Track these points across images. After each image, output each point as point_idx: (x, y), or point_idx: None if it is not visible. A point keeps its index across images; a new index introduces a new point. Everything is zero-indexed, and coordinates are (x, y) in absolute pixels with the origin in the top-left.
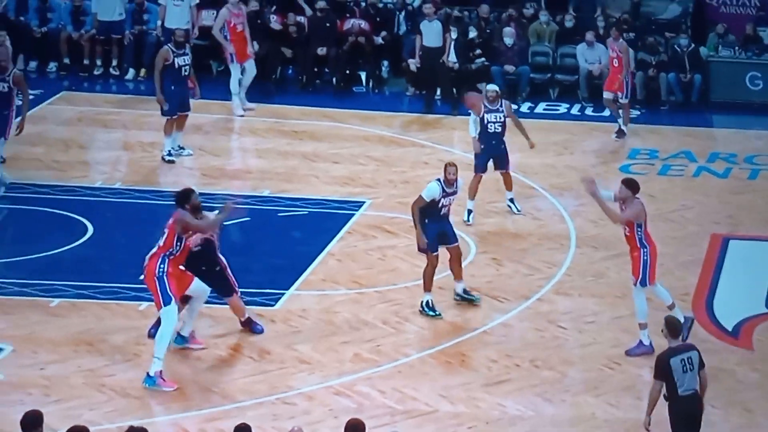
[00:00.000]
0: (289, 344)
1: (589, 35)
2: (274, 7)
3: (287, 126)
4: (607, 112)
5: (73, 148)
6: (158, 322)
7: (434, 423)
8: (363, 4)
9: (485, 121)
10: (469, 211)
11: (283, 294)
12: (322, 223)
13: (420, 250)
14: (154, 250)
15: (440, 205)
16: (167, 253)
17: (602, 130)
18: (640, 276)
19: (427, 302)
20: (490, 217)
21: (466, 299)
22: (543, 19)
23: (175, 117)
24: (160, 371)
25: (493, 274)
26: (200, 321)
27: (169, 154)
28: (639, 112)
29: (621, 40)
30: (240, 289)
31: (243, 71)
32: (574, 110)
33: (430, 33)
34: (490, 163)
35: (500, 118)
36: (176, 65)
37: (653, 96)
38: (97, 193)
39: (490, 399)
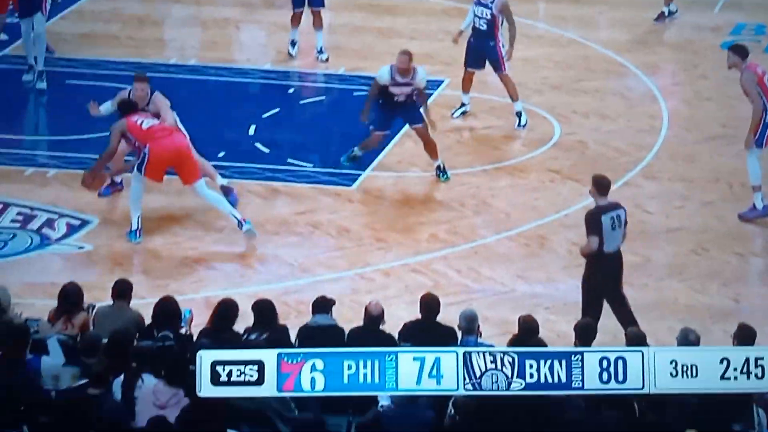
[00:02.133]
0: (366, 223)
1: None
2: None
3: None
4: None
5: (147, 24)
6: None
7: (511, 302)
8: None
9: (473, 14)
10: (462, 105)
11: (359, 175)
12: None
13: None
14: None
15: (391, 92)
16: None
17: (703, 4)
18: (757, 137)
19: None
20: (577, 97)
21: (438, 174)
22: None
23: (298, 10)
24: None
25: (578, 157)
26: (280, 199)
27: (293, 44)
28: None
29: None
30: (317, 169)
31: None
32: None
33: None
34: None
35: (487, 14)
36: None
37: None
38: (171, 70)
39: (569, 281)
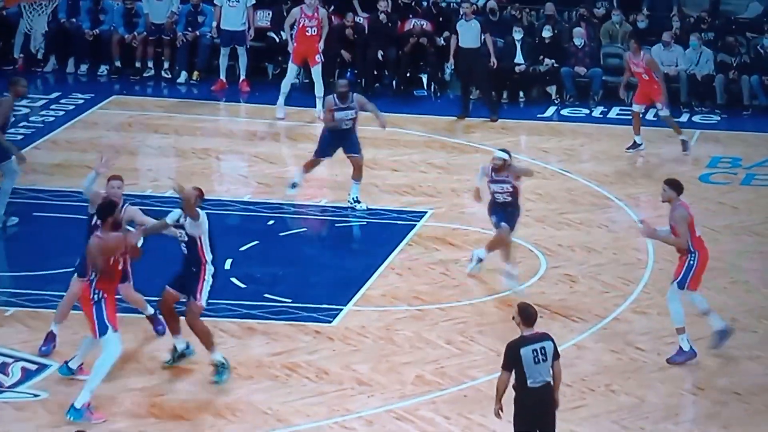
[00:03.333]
0: (347, 364)
1: (666, 36)
2: (332, 7)
3: None
4: (684, 118)
5: (123, 154)
6: (49, 337)
7: None
8: (425, 3)
9: (491, 190)
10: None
11: (341, 310)
12: (381, 234)
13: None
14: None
15: (337, 118)
16: (95, 274)
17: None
18: (680, 278)
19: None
20: (562, 230)
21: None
22: (615, 19)
23: (321, 159)
24: (89, 403)
25: (566, 292)
26: (255, 338)
27: (293, 186)
28: (719, 118)
29: (642, 53)
30: (296, 304)
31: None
32: (650, 115)
33: (467, 33)
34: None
35: (507, 188)
36: (335, 118)
37: (735, 100)
38: (147, 201)
39: (563, 426)
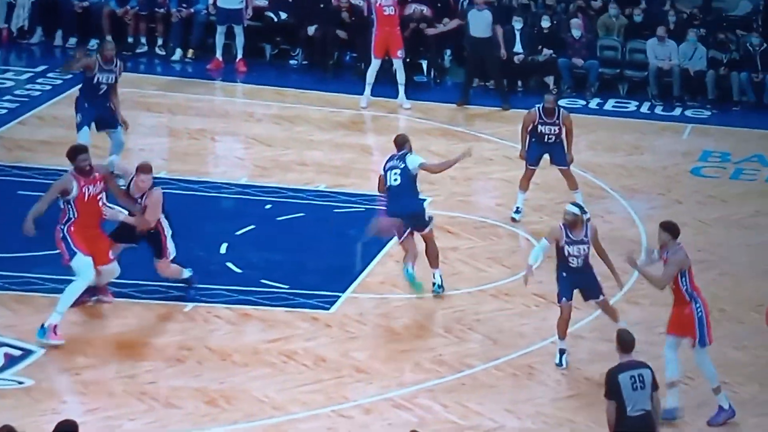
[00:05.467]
0: (345, 351)
1: (661, 30)
2: None
3: (343, 116)
4: (677, 112)
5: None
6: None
7: None
8: None
9: (566, 253)
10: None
11: (338, 297)
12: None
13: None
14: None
15: (539, 131)
16: (66, 219)
17: (672, 130)
18: (698, 336)
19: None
20: (559, 218)
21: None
22: (612, 12)
23: (532, 167)
24: (55, 325)
25: None
26: (251, 325)
27: (517, 211)
28: (710, 113)
29: None
30: (294, 290)
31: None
32: (644, 108)
33: (479, 23)
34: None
35: (584, 250)
36: (538, 131)
37: (725, 95)
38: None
39: (559, 414)
